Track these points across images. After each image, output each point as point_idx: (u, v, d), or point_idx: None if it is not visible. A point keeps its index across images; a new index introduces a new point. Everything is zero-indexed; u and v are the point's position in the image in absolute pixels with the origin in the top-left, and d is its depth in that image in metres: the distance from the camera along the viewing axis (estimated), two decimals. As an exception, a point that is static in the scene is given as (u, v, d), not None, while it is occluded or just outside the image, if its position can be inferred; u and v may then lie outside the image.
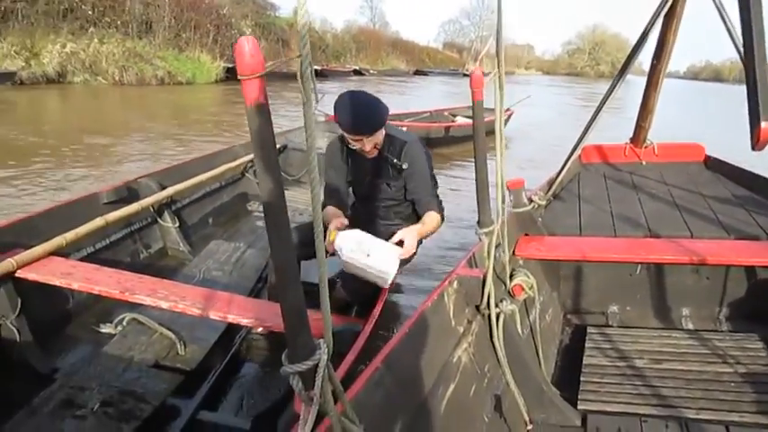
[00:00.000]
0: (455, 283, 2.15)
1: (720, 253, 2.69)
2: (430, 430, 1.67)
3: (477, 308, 2.20)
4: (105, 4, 19.99)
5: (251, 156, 4.75)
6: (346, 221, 2.57)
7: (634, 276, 3.01)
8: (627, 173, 4.21)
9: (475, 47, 65.47)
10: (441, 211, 2.77)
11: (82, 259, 2.86)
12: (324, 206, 2.77)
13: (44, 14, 17.89)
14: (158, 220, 3.68)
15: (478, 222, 2.22)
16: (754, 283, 2.88)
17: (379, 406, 1.47)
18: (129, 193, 3.42)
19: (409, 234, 2.50)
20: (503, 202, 2.22)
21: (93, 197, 3.21)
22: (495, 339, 2.14)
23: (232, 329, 2.77)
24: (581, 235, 3.09)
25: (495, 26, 1.95)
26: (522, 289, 2.50)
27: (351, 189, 2.93)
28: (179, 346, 2.55)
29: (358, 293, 2.65)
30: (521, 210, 3.02)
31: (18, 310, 2.41)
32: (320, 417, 1.13)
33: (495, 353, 2.15)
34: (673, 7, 3.15)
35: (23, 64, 16.01)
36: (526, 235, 3.00)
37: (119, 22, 20.15)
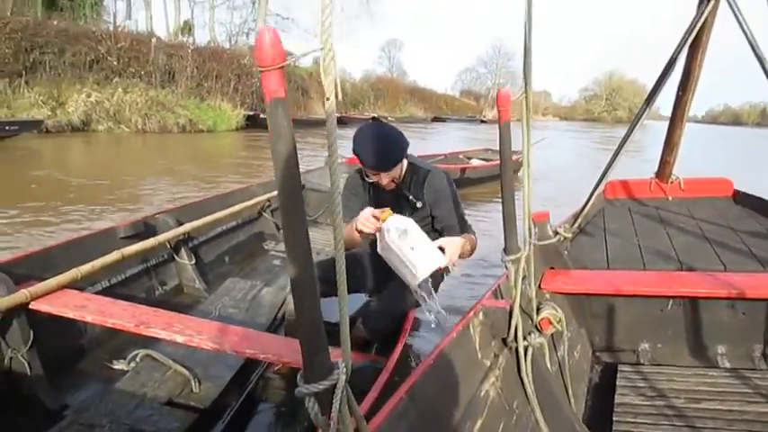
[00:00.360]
0: (480, 314, 2.05)
1: (758, 286, 2.56)
2: None
3: (504, 341, 2.09)
4: (130, 55, 20.49)
5: (268, 195, 4.77)
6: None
7: (665, 312, 2.87)
8: (653, 208, 4.11)
9: (492, 94, 66.15)
10: (474, 235, 2.70)
11: (96, 293, 2.81)
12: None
13: (71, 65, 18.35)
14: (175, 256, 3.64)
15: (504, 249, 2.12)
16: None
17: None
18: (146, 229, 3.40)
19: (451, 244, 2.40)
20: (529, 229, 2.14)
21: (110, 231, 3.19)
22: (524, 374, 2.03)
23: (248, 367, 2.69)
24: (609, 269, 2.97)
25: (523, 47, 1.87)
26: (550, 323, 2.37)
27: None
28: (193, 384, 2.46)
29: (379, 333, 2.57)
30: (546, 242, 2.93)
31: (30, 343, 2.35)
32: None
33: (524, 388, 2.03)
34: (698, 37, 3.08)
35: (49, 113, 16.36)
36: (552, 269, 2.89)
37: (142, 72, 20.60)
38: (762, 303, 2.71)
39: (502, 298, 2.30)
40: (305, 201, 5.55)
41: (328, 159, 0.98)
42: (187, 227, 3.61)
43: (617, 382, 2.59)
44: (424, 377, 1.56)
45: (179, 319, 2.38)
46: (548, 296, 2.64)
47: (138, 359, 2.63)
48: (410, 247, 2.21)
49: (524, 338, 2.04)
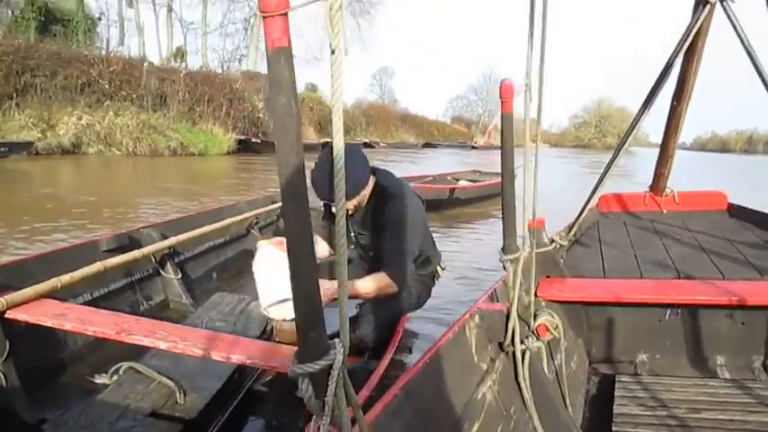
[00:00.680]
0: (476, 317, 1.98)
1: (758, 293, 2.51)
2: None
3: (501, 345, 2.02)
4: (122, 78, 20.50)
5: (255, 212, 4.71)
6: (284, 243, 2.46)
7: (663, 322, 2.81)
8: (648, 221, 4.08)
9: (483, 121, 66.70)
10: (401, 273, 2.57)
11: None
12: None
13: (62, 88, 18.33)
14: (160, 271, 3.56)
15: (503, 249, 2.06)
16: None
17: None
18: (130, 242, 3.32)
19: (326, 285, 2.30)
20: (531, 236, 2.08)
21: (91, 244, 3.10)
22: (521, 379, 1.96)
23: (236, 379, 2.60)
24: (605, 277, 2.92)
25: (528, 35, 1.82)
26: (547, 330, 2.30)
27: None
28: (178, 395, 2.36)
29: (371, 338, 2.54)
30: (542, 250, 2.87)
31: (6, 353, 2.26)
32: None
33: (521, 394, 1.96)
34: (693, 44, 3.06)
35: (40, 135, 16.29)
36: (547, 277, 2.83)
37: (134, 96, 20.60)
38: (761, 313, 2.66)
39: (498, 302, 2.23)
40: None
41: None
42: (173, 240, 3.53)
43: (615, 393, 2.52)
44: (419, 375, 1.50)
45: (162, 326, 2.29)
46: (543, 304, 2.58)
47: (120, 372, 2.52)
48: (268, 273, 2.35)
49: (522, 342, 1.97)
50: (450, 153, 36.64)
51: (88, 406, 2.28)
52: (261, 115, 26.71)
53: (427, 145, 46.11)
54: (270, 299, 2.30)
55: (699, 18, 2.78)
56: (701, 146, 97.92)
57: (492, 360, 1.97)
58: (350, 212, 2.61)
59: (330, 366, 0.93)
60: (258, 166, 17.79)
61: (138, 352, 2.67)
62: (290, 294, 2.00)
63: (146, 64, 22.44)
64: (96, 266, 2.79)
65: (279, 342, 2.65)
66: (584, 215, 3.47)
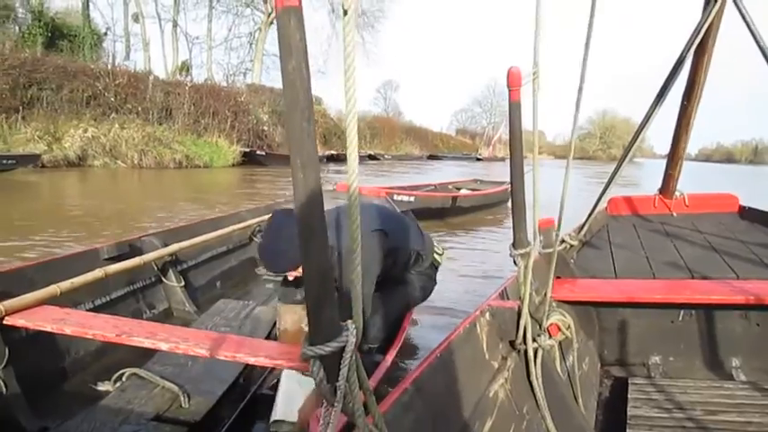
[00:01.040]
0: (487, 314, 1.93)
1: None
2: None
3: (512, 344, 1.97)
4: (127, 91, 20.60)
5: (258, 219, 4.69)
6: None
7: (676, 323, 2.74)
8: (658, 223, 4.01)
9: (487, 133, 66.80)
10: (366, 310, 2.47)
11: None
12: None
13: (68, 101, 18.41)
14: (163, 279, 3.52)
15: (513, 244, 2.01)
16: None
17: (410, 430, 1.24)
18: (131, 250, 3.26)
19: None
20: (538, 233, 2.03)
21: (92, 252, 3.05)
22: (533, 378, 1.90)
23: (242, 383, 2.56)
24: (617, 278, 2.86)
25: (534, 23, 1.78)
26: (559, 329, 2.25)
27: None
28: (182, 399, 2.32)
29: (376, 338, 2.49)
30: (552, 250, 2.82)
31: (5, 360, 2.20)
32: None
33: (534, 393, 1.90)
34: (704, 41, 3.02)
35: (45, 148, 16.34)
36: (558, 278, 2.77)
37: (140, 109, 20.68)
38: None
39: (509, 300, 2.18)
40: None
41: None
42: (174, 247, 3.49)
43: (629, 395, 2.45)
44: (430, 370, 1.45)
45: (164, 328, 2.23)
46: (554, 304, 2.52)
47: (124, 378, 2.48)
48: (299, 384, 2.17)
49: (534, 340, 1.91)
50: (456, 165, 36.72)
51: (90, 413, 2.24)
52: (265, 128, 26.80)
53: (432, 157, 46.27)
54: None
55: (709, 14, 2.74)
56: (706, 156, 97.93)
57: (503, 358, 1.92)
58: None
59: (342, 349, 0.88)
60: (263, 178, 17.83)
61: (141, 359, 2.63)
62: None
63: (151, 77, 22.57)
64: (97, 273, 2.74)
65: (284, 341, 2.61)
66: (593, 217, 3.41)
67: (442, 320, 3.99)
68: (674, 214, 4.12)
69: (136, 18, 32.07)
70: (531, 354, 1.91)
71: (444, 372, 1.57)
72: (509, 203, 11.93)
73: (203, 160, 21.47)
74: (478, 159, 46.12)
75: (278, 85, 31.08)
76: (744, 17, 2.59)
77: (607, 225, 4.01)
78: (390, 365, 2.03)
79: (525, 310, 1.90)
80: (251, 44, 36.43)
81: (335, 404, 0.88)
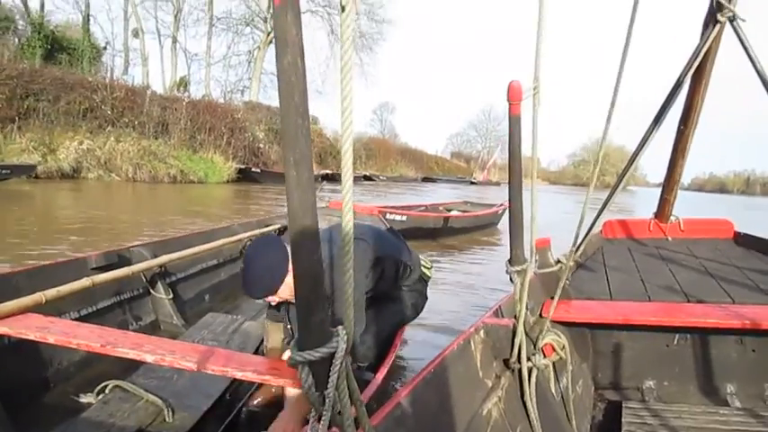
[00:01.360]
0: (482, 332, 1.89)
1: None
2: None
3: (506, 363, 1.93)
4: (124, 105, 20.62)
5: (249, 233, 4.65)
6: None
7: (671, 348, 2.71)
8: (653, 247, 3.99)
9: (482, 157, 67.13)
10: (358, 329, 2.37)
11: None
12: None
13: (65, 113, 18.40)
14: (151, 291, 3.46)
15: (510, 260, 1.98)
16: None
17: None
18: (119, 261, 3.21)
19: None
20: (532, 252, 2.00)
21: (79, 261, 3.00)
22: (528, 398, 1.86)
23: (228, 399, 2.51)
24: (612, 300, 2.83)
25: (536, 34, 1.77)
26: (554, 349, 2.21)
27: None
28: (167, 413, 2.26)
29: (367, 357, 2.42)
30: (547, 270, 2.78)
31: None
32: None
33: (527, 414, 1.86)
34: (701, 66, 3.02)
35: (40, 159, 16.27)
36: (552, 298, 2.74)
37: (136, 123, 20.67)
38: None
39: (503, 318, 2.14)
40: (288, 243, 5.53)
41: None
42: (164, 258, 3.44)
43: (623, 419, 2.40)
44: (423, 385, 1.41)
45: (150, 340, 2.17)
46: (549, 324, 2.48)
47: (107, 390, 2.42)
48: None
49: (528, 359, 1.87)
50: (450, 188, 36.83)
51: (72, 425, 2.18)
52: (261, 145, 26.83)
53: (426, 179, 46.42)
54: None
55: (708, 38, 2.74)
56: (699, 186, 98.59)
57: (497, 377, 1.88)
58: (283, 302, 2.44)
59: (332, 355, 0.84)
60: (258, 195, 17.83)
61: (125, 371, 2.57)
62: None
63: (149, 91, 22.61)
64: (84, 282, 2.67)
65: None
66: (587, 239, 3.39)
67: (433, 339, 3.96)
68: (670, 239, 4.11)
69: (136, 33, 32.24)
70: (525, 373, 1.87)
71: (437, 388, 1.53)
72: (499, 225, 12.15)
73: (198, 176, 21.46)
74: (473, 183, 46.29)
75: (275, 103, 31.26)
76: (742, 42, 2.59)
77: (602, 248, 3.99)
78: (381, 384, 1.99)
79: (521, 328, 1.86)
80: (249, 62, 36.69)
81: (324, 413, 0.84)
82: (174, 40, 33.65)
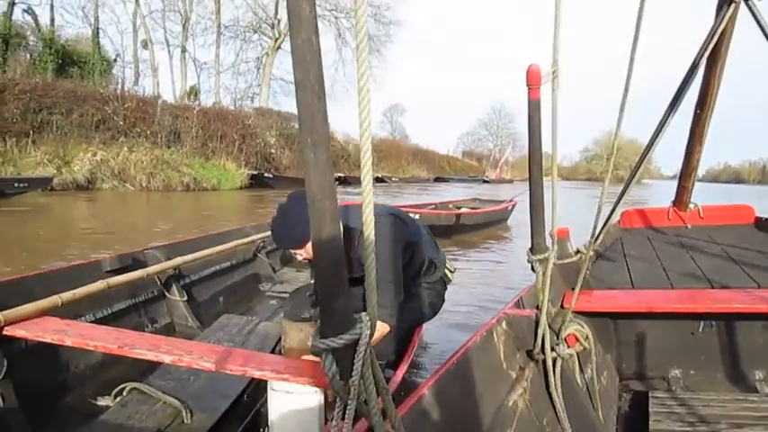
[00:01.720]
0: (504, 323, 1.85)
1: None
2: None
3: (529, 354, 1.89)
4: (136, 115, 20.78)
5: (262, 235, 4.64)
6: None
7: (696, 335, 2.65)
8: (673, 236, 3.92)
9: (494, 155, 66.91)
10: (390, 311, 2.35)
11: None
12: None
13: (78, 125, 18.58)
14: (166, 294, 3.46)
15: (531, 249, 1.94)
16: None
17: None
18: (133, 263, 3.22)
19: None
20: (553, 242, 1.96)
21: (94, 264, 3.01)
22: (553, 389, 1.82)
23: (246, 399, 2.48)
24: (634, 288, 2.77)
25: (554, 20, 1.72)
26: (577, 340, 2.17)
27: None
28: (185, 414, 2.24)
29: (384, 354, 2.39)
30: (566, 261, 2.74)
31: (4, 372, 2.14)
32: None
33: (553, 405, 1.81)
34: (717, 48, 2.95)
35: (55, 171, 16.41)
36: (572, 289, 2.69)
37: (148, 132, 20.82)
38: None
39: (525, 309, 2.10)
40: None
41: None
42: (178, 261, 3.44)
43: (650, 409, 2.35)
44: (447, 377, 1.38)
45: (167, 341, 2.16)
46: (571, 315, 2.43)
47: (124, 393, 2.41)
48: None
49: (552, 349, 1.83)
50: (463, 186, 36.78)
51: (90, 428, 2.17)
52: (273, 150, 26.92)
53: (439, 179, 46.35)
54: None
55: (723, 19, 2.68)
56: (713, 177, 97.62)
57: (521, 368, 1.84)
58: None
59: (356, 342, 0.81)
60: (271, 200, 17.88)
61: (141, 373, 2.57)
62: None
63: (160, 101, 22.78)
64: (99, 285, 2.68)
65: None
66: (606, 229, 3.33)
67: (451, 335, 3.93)
68: (689, 226, 4.04)
69: (145, 45, 32.47)
70: (549, 363, 1.84)
71: (462, 380, 1.50)
72: (509, 221, 12.12)
73: (211, 183, 21.56)
74: (485, 182, 46.13)
75: (285, 108, 31.34)
76: (759, 22, 2.52)
77: (621, 238, 3.93)
78: (401, 381, 1.96)
79: (543, 318, 1.82)
80: (258, 69, 36.80)
81: (349, 402, 0.81)
82: (183, 50, 33.85)
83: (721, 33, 2.75)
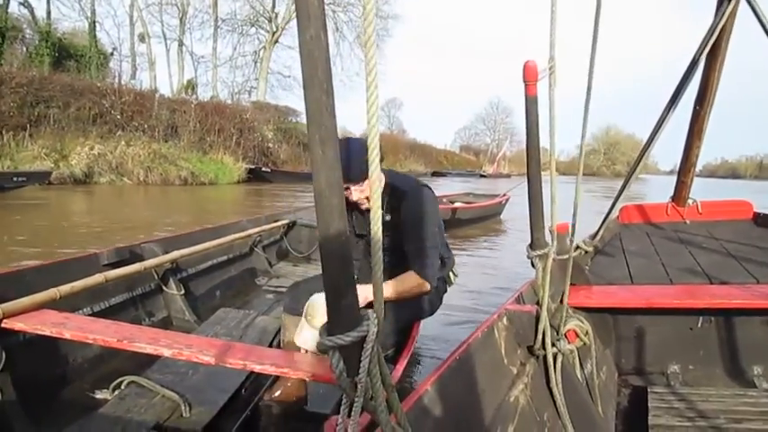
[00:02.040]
0: (504, 319, 1.86)
1: None
2: None
3: (530, 350, 1.90)
4: (134, 109, 20.72)
5: (258, 229, 4.69)
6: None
7: (695, 331, 2.66)
8: (671, 231, 3.94)
9: (491, 150, 66.90)
10: (430, 271, 2.44)
11: None
12: None
13: (75, 119, 18.53)
14: (163, 287, 3.46)
15: (531, 245, 1.95)
16: None
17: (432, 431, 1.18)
18: (131, 257, 3.22)
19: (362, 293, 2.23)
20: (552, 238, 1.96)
21: (91, 257, 3.00)
22: (553, 385, 1.82)
23: (244, 393, 2.49)
24: (633, 284, 2.78)
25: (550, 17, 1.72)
26: (577, 335, 2.18)
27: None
28: (183, 408, 2.24)
29: (384, 347, 2.39)
30: (566, 257, 2.75)
31: (2, 365, 2.14)
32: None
33: (554, 401, 1.82)
34: (717, 44, 2.96)
35: (52, 165, 16.39)
36: (573, 284, 2.70)
37: (146, 126, 20.78)
38: None
39: (525, 304, 2.11)
40: (297, 238, 5.51)
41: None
42: (175, 254, 3.43)
43: (649, 404, 2.36)
44: (449, 372, 1.39)
45: (166, 334, 2.17)
46: (570, 311, 2.44)
47: (122, 386, 2.41)
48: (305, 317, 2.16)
49: (553, 345, 1.84)
50: (461, 181, 36.74)
51: (89, 421, 2.17)
52: (270, 145, 26.89)
53: (436, 174, 46.35)
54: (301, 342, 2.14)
55: (723, 15, 2.68)
56: (710, 172, 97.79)
57: (522, 364, 1.85)
58: (363, 206, 2.51)
59: (363, 339, 0.82)
60: (269, 194, 17.90)
61: (139, 367, 2.57)
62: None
63: (157, 95, 22.72)
64: (97, 278, 2.68)
65: None
66: (605, 225, 3.35)
67: (449, 331, 3.94)
68: (688, 221, 4.05)
69: (142, 38, 32.38)
70: (550, 359, 1.85)
71: (464, 375, 1.51)
72: (502, 216, 12.17)
73: (209, 177, 21.55)
74: (483, 176, 46.16)
75: (283, 102, 31.25)
76: (759, 18, 2.53)
77: (620, 233, 3.94)
78: (401, 376, 1.97)
79: (544, 314, 1.83)
80: (256, 63, 36.68)
81: (356, 399, 0.82)
82: (181, 44, 33.76)
83: (721, 30, 2.76)
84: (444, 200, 12.30)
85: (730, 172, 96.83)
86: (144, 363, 2.56)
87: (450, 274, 2.87)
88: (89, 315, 2.76)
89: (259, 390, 2.54)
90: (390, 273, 2.47)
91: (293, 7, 0.74)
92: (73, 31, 28.69)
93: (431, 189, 2.63)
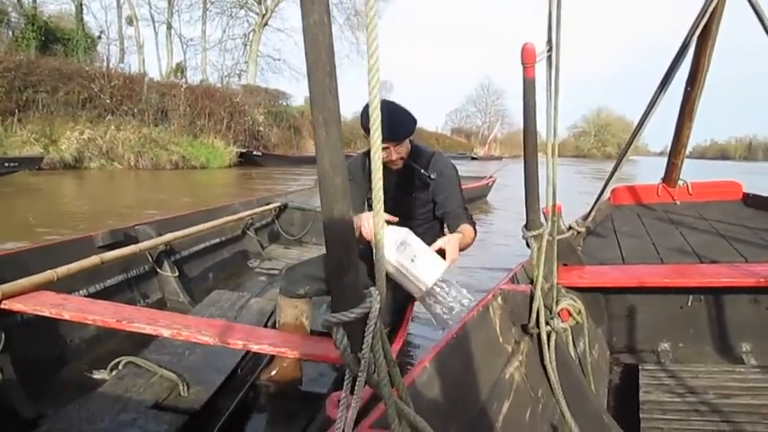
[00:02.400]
0: (499, 298, 1.91)
1: None
2: None
3: (524, 328, 1.94)
4: (123, 93, 20.51)
5: (250, 212, 4.75)
6: (395, 219, 2.38)
7: (685, 309, 2.71)
8: (662, 212, 3.99)
9: (482, 132, 66.87)
10: (474, 225, 2.57)
11: None
12: None
13: (64, 104, 18.32)
14: (157, 270, 3.49)
15: (526, 225, 1.98)
16: None
17: (430, 408, 1.21)
18: (125, 239, 3.24)
19: (450, 243, 2.29)
20: (553, 215, 2.00)
21: (86, 239, 3.03)
22: (547, 363, 1.87)
23: (240, 373, 2.54)
24: (625, 264, 2.83)
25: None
26: (570, 314, 2.22)
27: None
28: (181, 387, 2.28)
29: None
30: (560, 237, 2.79)
31: (1, 345, 2.17)
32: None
33: (548, 377, 1.87)
34: (707, 26, 2.98)
35: (42, 150, 16.23)
36: (565, 265, 2.74)
37: (135, 110, 20.60)
38: None
39: (519, 284, 2.16)
40: (289, 221, 5.55)
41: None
42: (168, 236, 3.46)
43: (640, 381, 2.42)
44: (446, 350, 1.45)
45: (164, 315, 2.21)
46: (563, 291, 2.49)
47: (120, 366, 2.45)
48: (410, 259, 2.11)
49: (547, 323, 1.88)
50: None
51: (87, 400, 2.20)
52: (261, 128, 26.76)
53: (428, 156, 46.20)
54: (428, 278, 2.13)
55: None
56: (700, 154, 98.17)
57: (516, 342, 1.91)
58: (394, 167, 2.56)
59: (366, 316, 0.84)
60: (260, 177, 17.87)
61: (136, 347, 2.61)
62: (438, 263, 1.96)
63: (146, 79, 22.51)
64: (93, 260, 2.71)
65: None
66: (597, 206, 3.39)
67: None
68: (678, 202, 4.10)
69: (130, 21, 31.91)
70: (544, 337, 1.89)
71: (461, 353, 1.55)
72: (488, 197, 12.22)
73: (200, 161, 21.46)
74: (474, 158, 46.12)
75: (273, 85, 30.99)
76: (751, 2, 2.55)
77: (611, 214, 3.99)
78: (397, 355, 2.01)
79: (538, 293, 1.87)
80: (245, 45, 36.28)
81: (359, 374, 0.84)
82: (169, 26, 33.32)
83: (712, 12, 2.78)
84: None
85: (720, 153, 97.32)
86: (140, 343, 2.60)
87: None
88: (85, 296, 2.78)
89: (255, 370, 2.58)
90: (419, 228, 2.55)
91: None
92: (59, 14, 28.24)
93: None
